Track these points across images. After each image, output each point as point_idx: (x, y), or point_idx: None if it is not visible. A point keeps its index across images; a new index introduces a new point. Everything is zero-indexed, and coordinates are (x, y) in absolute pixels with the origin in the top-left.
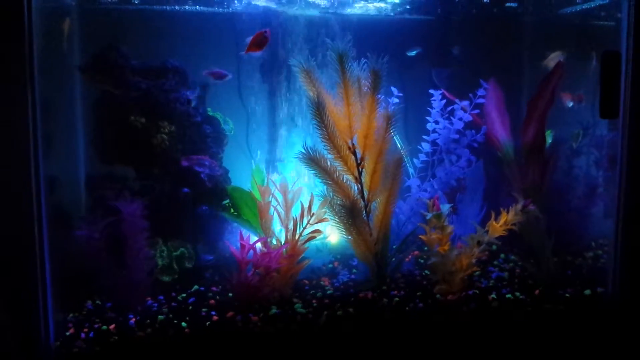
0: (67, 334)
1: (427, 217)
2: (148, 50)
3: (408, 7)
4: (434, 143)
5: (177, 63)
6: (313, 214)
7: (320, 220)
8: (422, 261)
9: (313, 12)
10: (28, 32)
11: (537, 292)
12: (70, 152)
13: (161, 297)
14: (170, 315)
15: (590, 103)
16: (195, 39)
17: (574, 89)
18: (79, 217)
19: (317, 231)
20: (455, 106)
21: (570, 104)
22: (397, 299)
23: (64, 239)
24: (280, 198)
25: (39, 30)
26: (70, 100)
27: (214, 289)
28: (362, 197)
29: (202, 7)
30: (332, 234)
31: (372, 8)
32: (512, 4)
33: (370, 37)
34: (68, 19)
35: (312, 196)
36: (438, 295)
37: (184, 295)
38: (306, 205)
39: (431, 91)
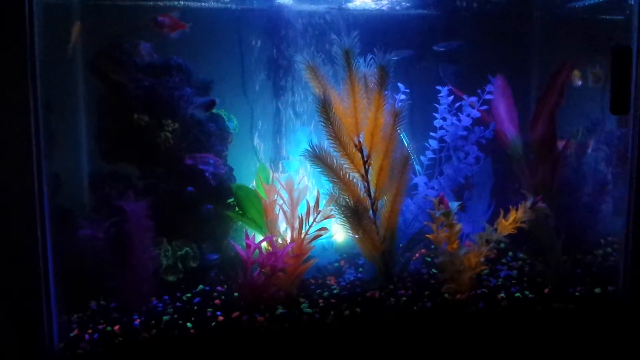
0: (71, 335)
1: (436, 215)
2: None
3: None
4: (441, 140)
5: (181, 60)
6: (319, 211)
7: (327, 217)
8: (429, 260)
9: (319, 7)
10: (29, 27)
11: (546, 290)
12: (74, 150)
13: (166, 297)
14: (175, 316)
15: (599, 98)
16: (201, 36)
17: (581, 85)
18: (83, 216)
19: (324, 229)
20: (463, 102)
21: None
22: (404, 298)
23: (68, 239)
24: (285, 196)
25: (40, 26)
26: (73, 97)
27: (219, 288)
28: (369, 195)
29: (206, 3)
30: (338, 233)
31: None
32: None
33: (377, 32)
34: (78, 23)
35: (318, 193)
36: (446, 295)
37: (189, 295)
38: (312, 204)
39: (438, 87)
